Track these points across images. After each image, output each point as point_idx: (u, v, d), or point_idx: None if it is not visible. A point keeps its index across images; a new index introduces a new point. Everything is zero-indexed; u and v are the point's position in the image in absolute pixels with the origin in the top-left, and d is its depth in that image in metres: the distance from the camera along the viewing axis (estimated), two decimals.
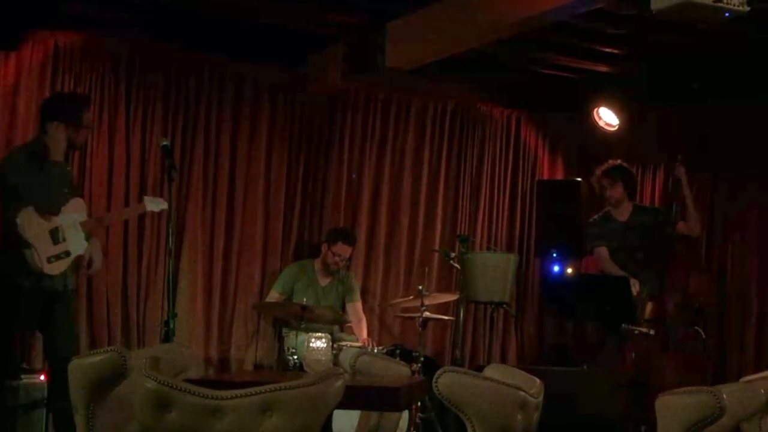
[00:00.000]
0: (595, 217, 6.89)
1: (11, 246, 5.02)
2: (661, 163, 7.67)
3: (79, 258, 5.30)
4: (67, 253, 5.13)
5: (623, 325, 6.02)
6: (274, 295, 6.89)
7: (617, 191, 6.66)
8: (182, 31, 6.61)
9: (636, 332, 6.00)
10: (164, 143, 5.24)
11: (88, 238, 5.28)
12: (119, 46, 6.66)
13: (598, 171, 6.77)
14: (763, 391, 3.22)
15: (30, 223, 5.00)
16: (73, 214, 5.22)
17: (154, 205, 5.70)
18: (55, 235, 5.08)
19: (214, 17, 6.42)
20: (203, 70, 6.95)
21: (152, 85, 6.76)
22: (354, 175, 7.46)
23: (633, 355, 6.10)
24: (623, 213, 6.70)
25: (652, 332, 5.98)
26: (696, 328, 6.31)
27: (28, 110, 6.36)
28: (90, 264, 5.35)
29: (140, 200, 5.94)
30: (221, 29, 6.60)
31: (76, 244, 5.19)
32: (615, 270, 6.49)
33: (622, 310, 6.04)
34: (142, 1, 6.15)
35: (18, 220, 4.96)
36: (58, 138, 5.20)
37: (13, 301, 5.06)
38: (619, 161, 6.77)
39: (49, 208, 5.09)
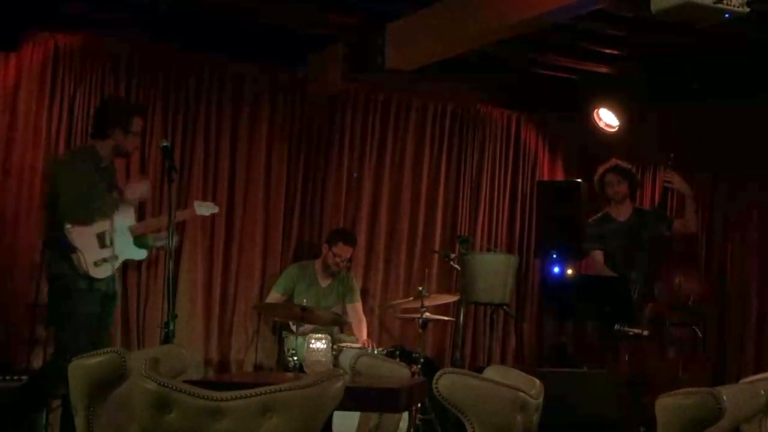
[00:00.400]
0: (594, 217, 6.89)
1: (61, 249, 5.12)
2: (661, 163, 7.67)
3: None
4: (114, 257, 5.23)
5: (616, 326, 6.04)
6: (274, 296, 6.88)
7: (623, 188, 6.69)
8: (182, 31, 6.61)
9: (631, 333, 6.01)
10: (164, 144, 5.24)
11: (137, 242, 5.37)
12: (119, 47, 6.67)
13: (603, 168, 6.78)
14: (763, 392, 3.21)
15: (78, 228, 5.09)
16: (121, 219, 5.31)
17: (205, 209, 5.87)
18: (102, 239, 5.18)
19: (214, 17, 6.42)
20: (203, 70, 6.95)
21: (152, 85, 6.77)
22: (355, 174, 7.46)
23: (626, 356, 6.11)
24: (623, 213, 6.71)
25: (645, 333, 5.98)
26: (693, 327, 6.31)
27: (28, 111, 6.38)
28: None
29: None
30: (221, 29, 6.60)
31: (124, 248, 5.29)
32: (608, 274, 6.51)
33: (621, 310, 6.03)
34: (142, 1, 6.16)
35: (67, 225, 5.07)
36: (107, 143, 5.31)
37: (72, 301, 5.15)
38: (624, 162, 6.79)
39: (98, 213, 5.18)
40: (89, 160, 5.29)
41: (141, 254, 5.41)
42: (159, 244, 5.61)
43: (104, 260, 5.16)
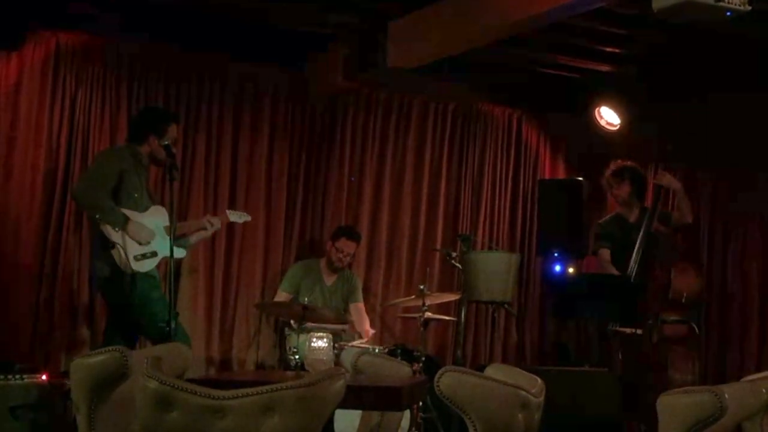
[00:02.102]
0: (606, 217, 6.90)
1: (103, 249, 5.17)
2: (661, 160, 7.66)
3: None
4: (154, 253, 5.29)
5: (610, 325, 6.05)
6: (282, 295, 6.90)
7: (624, 190, 6.66)
8: (183, 31, 6.61)
9: (626, 332, 6.02)
10: (165, 143, 5.27)
11: (175, 242, 5.37)
12: (120, 46, 6.66)
13: (608, 171, 6.77)
14: (764, 390, 3.21)
15: None
16: (155, 220, 5.35)
17: (237, 216, 5.99)
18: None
19: (215, 17, 6.42)
20: (204, 70, 6.95)
21: (153, 84, 6.76)
22: (353, 179, 7.46)
23: (620, 354, 6.12)
24: (633, 214, 6.68)
25: (638, 331, 5.98)
26: (692, 324, 6.31)
27: (29, 110, 6.39)
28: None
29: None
30: (222, 29, 6.60)
31: (162, 246, 5.30)
32: (613, 272, 6.50)
33: (623, 310, 6.03)
34: (143, 1, 6.16)
35: (100, 224, 5.14)
36: (144, 149, 5.41)
37: (116, 302, 5.27)
38: (629, 162, 6.77)
39: (131, 205, 5.28)
40: (131, 156, 5.38)
41: (180, 252, 5.44)
42: (195, 239, 5.83)
43: (143, 256, 5.22)
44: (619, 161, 6.77)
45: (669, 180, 6.54)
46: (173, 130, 5.49)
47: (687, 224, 6.77)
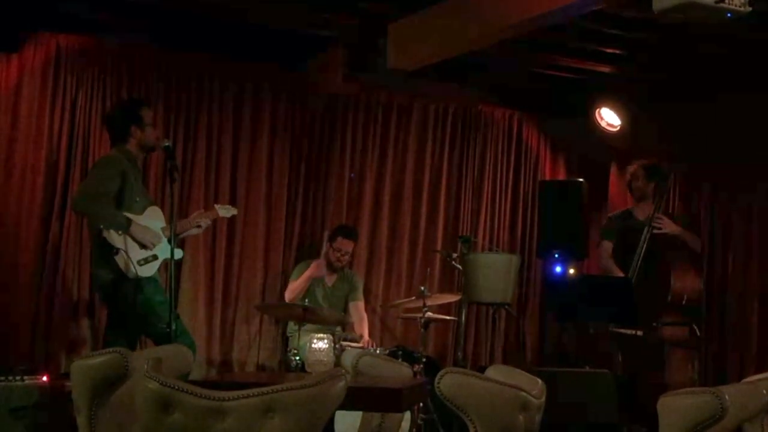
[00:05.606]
0: (616, 212, 6.92)
1: (105, 255, 5.14)
2: (664, 162, 7.65)
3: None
4: (155, 257, 5.27)
5: (610, 327, 6.04)
6: (294, 284, 6.89)
7: (644, 185, 6.66)
8: (183, 32, 6.62)
9: (627, 334, 6.02)
10: (166, 144, 5.27)
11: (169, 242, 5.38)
12: (120, 48, 6.67)
13: (639, 162, 6.76)
14: (765, 391, 3.21)
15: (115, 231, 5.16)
16: (153, 221, 5.34)
17: (225, 211, 5.94)
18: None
19: (215, 18, 6.42)
20: (204, 71, 6.95)
21: (153, 86, 6.77)
22: (353, 175, 7.46)
23: (620, 356, 6.12)
24: (644, 213, 6.68)
25: (639, 333, 5.98)
26: (693, 326, 6.31)
27: (30, 111, 6.39)
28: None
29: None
30: (222, 30, 6.61)
31: (162, 249, 5.30)
32: (611, 267, 6.50)
33: (624, 312, 6.03)
34: (143, 2, 6.16)
35: (103, 230, 5.13)
36: (131, 144, 5.39)
37: (121, 307, 5.24)
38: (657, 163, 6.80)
39: (132, 208, 5.27)
40: (126, 160, 5.36)
41: (177, 254, 5.44)
42: (194, 232, 5.81)
43: (146, 260, 5.21)
44: (653, 159, 6.79)
45: (669, 225, 6.52)
46: (148, 114, 5.48)
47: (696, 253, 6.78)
